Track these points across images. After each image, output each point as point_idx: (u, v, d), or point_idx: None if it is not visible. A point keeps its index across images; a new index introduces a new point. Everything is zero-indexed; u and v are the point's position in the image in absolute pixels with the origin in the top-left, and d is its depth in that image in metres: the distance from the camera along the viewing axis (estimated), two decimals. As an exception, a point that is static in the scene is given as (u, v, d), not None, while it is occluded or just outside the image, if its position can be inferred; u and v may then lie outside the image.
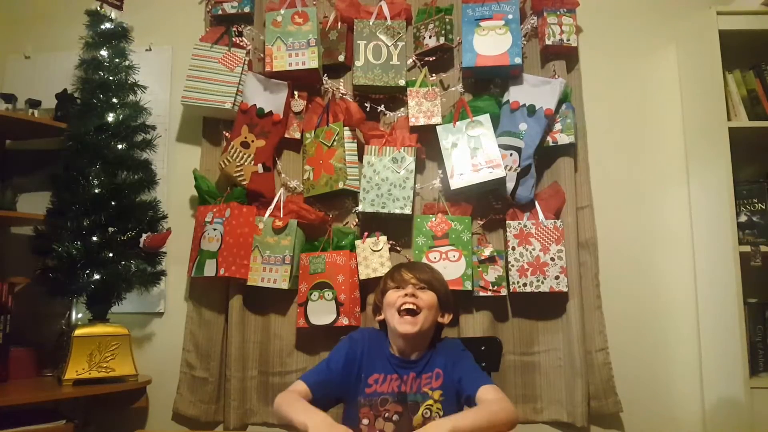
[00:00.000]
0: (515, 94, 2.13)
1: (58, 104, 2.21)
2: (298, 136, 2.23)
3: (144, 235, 2.07)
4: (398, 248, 2.13)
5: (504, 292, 2.03)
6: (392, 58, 2.15)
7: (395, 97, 2.22)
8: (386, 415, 1.44)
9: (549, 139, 2.10)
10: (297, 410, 1.31)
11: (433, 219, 2.06)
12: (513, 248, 2.04)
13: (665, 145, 2.23)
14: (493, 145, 2.05)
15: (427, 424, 1.21)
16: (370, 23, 2.19)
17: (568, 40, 2.13)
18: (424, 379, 1.47)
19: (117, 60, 2.17)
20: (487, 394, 1.35)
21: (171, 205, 2.26)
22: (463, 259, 2.00)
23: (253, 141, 2.18)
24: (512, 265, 2.03)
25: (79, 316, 2.16)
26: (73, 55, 2.23)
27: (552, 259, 2.02)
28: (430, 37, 2.17)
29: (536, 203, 2.08)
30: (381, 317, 1.56)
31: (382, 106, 2.21)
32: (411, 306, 1.45)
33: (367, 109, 2.18)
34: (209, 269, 2.06)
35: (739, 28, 1.99)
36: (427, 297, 1.49)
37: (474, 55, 2.10)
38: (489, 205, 2.14)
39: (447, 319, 1.55)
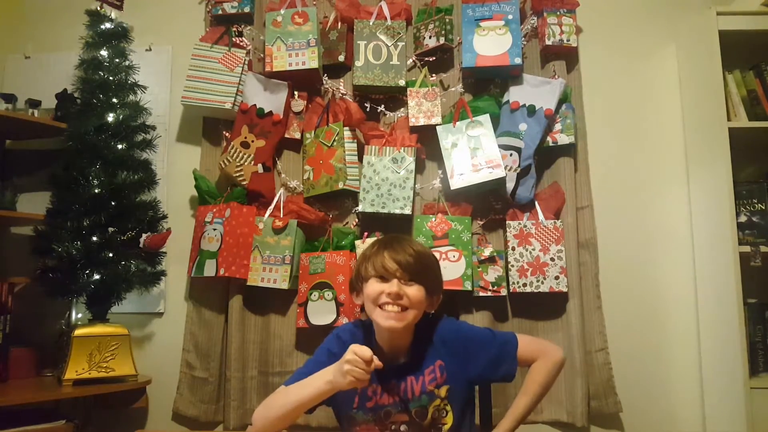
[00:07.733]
0: (515, 95, 2.13)
1: (58, 104, 2.20)
2: (298, 136, 2.23)
3: (144, 235, 2.07)
4: (398, 248, 2.13)
5: (504, 292, 2.02)
6: (392, 58, 2.15)
7: (395, 97, 2.22)
8: (393, 428, 1.34)
9: (549, 139, 2.10)
10: (302, 387, 1.26)
11: (433, 219, 2.06)
12: (513, 248, 2.04)
13: (665, 145, 2.23)
14: (493, 145, 2.05)
15: None
16: (370, 23, 2.19)
17: (568, 40, 2.13)
18: (427, 375, 1.35)
19: (117, 60, 2.17)
20: (525, 355, 1.44)
21: (171, 205, 2.27)
22: (463, 259, 2.00)
23: (253, 141, 2.18)
24: (512, 266, 2.03)
25: (79, 316, 2.16)
26: (73, 55, 2.22)
27: (552, 259, 2.02)
28: (430, 37, 2.16)
29: (536, 203, 2.08)
30: (360, 302, 1.41)
31: (382, 106, 2.21)
32: (395, 309, 1.30)
33: (367, 109, 2.18)
34: (209, 269, 2.06)
35: (739, 29, 1.99)
36: (414, 293, 1.31)
37: (474, 55, 2.10)
38: (489, 205, 2.14)
39: (436, 305, 1.39)
